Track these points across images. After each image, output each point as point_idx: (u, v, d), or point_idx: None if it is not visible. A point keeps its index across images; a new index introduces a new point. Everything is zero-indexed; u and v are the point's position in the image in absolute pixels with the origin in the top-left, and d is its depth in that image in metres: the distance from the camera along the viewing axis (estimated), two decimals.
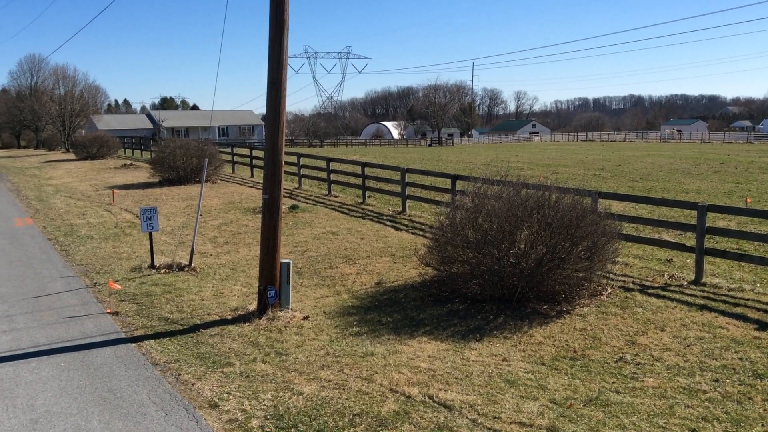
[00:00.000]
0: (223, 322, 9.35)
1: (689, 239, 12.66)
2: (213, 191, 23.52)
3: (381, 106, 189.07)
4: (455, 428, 6.08)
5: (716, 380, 7.09)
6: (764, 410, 6.41)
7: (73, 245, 14.95)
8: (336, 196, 21.58)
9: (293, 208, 18.68)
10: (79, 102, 66.56)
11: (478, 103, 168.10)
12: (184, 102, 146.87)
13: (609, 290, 10.19)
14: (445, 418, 6.29)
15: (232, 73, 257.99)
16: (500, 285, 9.58)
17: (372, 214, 18.12)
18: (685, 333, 8.48)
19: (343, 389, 6.97)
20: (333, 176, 22.69)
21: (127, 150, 47.68)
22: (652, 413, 6.36)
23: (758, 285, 10.50)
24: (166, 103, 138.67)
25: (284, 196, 10.91)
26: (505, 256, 9.50)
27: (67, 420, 6.40)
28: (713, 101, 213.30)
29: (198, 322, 9.39)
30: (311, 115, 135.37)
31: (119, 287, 10.91)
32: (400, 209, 18.38)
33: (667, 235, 13.90)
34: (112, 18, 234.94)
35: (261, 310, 9.45)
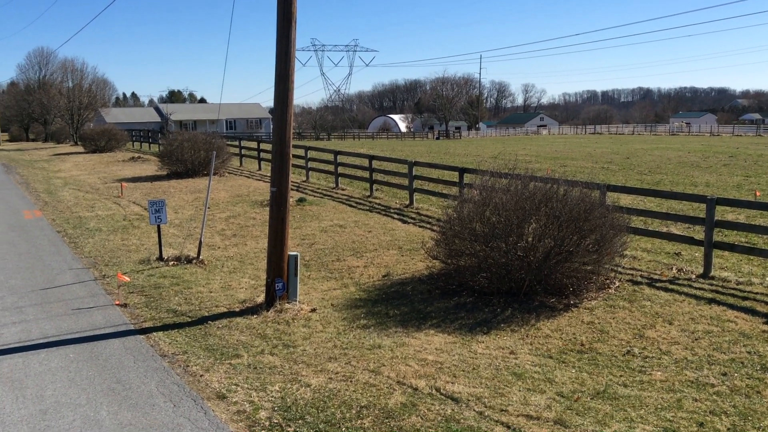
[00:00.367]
0: (231, 314, 9.38)
1: (698, 232, 12.61)
2: (221, 184, 23.56)
3: (388, 99, 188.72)
4: (462, 421, 6.09)
5: (724, 374, 7.08)
6: None
7: (82, 237, 15.02)
8: (343, 189, 21.59)
9: (301, 201, 18.69)
10: (88, 95, 66.71)
11: (485, 95, 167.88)
12: (191, 95, 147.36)
13: (617, 283, 10.17)
14: (452, 410, 6.29)
15: (239, 66, 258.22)
16: (508, 278, 9.57)
17: (379, 207, 18.12)
18: (693, 326, 8.45)
19: (351, 381, 6.99)
20: (340, 169, 22.69)
21: (135, 143, 47.85)
22: (659, 407, 6.35)
23: (767, 278, 10.45)
24: (174, 97, 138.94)
25: (292, 189, 10.92)
26: (513, 249, 9.48)
27: (76, 411, 6.44)
28: (722, 94, 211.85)
29: (206, 314, 9.42)
30: (318, 108, 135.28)
31: (128, 279, 10.96)
32: (407, 202, 18.37)
33: (676, 229, 13.85)
34: (120, 11, 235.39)
35: (269, 303, 9.48)
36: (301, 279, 10.64)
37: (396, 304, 9.69)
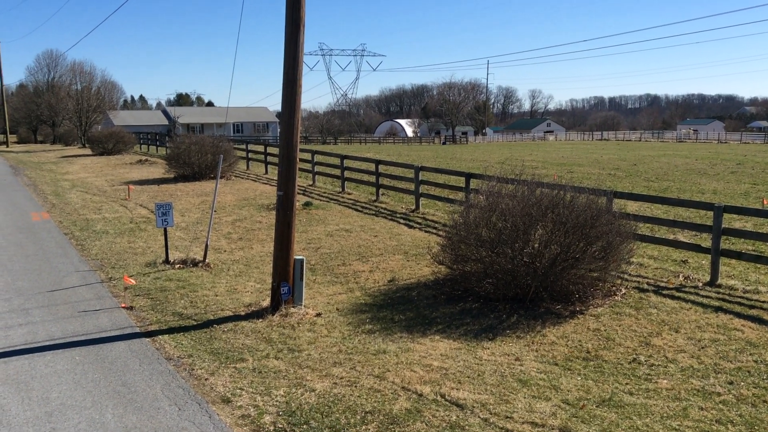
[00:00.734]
0: (236, 317, 9.39)
1: (705, 240, 12.56)
2: (227, 188, 23.62)
3: (395, 103, 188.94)
4: (467, 427, 6.07)
5: (731, 383, 7.04)
6: None
7: (89, 240, 15.07)
8: (350, 194, 21.60)
9: (307, 205, 18.72)
10: (96, 98, 67.08)
11: (492, 101, 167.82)
12: (199, 98, 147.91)
13: (623, 291, 10.14)
14: (457, 416, 6.28)
15: (247, 70, 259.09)
16: (514, 284, 9.55)
17: (385, 211, 18.12)
18: (699, 335, 8.42)
19: (356, 386, 6.98)
20: (347, 174, 22.72)
21: (142, 146, 48.00)
22: (665, 415, 6.32)
23: None
24: (182, 100, 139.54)
25: (298, 193, 10.94)
26: (519, 256, 9.47)
27: (81, 413, 6.45)
28: (730, 101, 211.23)
29: (211, 317, 9.44)
30: (325, 112, 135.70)
31: (134, 282, 10.99)
32: (413, 207, 18.37)
33: (683, 236, 13.80)
34: (129, 14, 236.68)
35: (274, 307, 9.49)
36: (307, 283, 10.65)
37: (401, 310, 9.68)
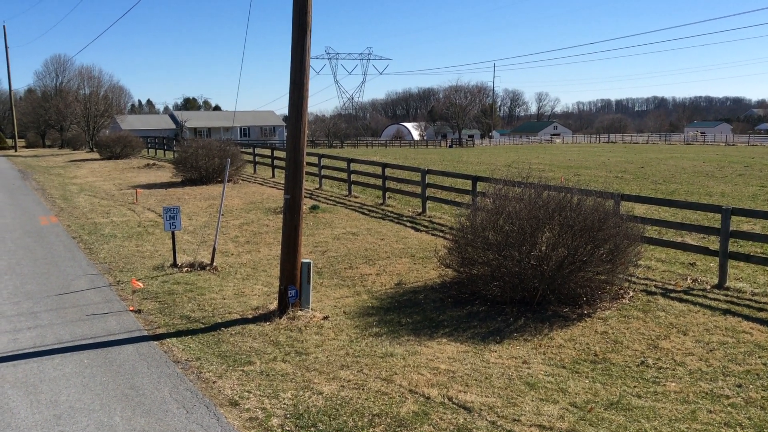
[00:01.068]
0: (244, 321, 9.41)
1: (713, 243, 12.52)
2: (235, 191, 23.68)
3: (401, 107, 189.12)
4: (474, 430, 6.07)
5: (739, 385, 7.01)
6: None
7: (97, 243, 15.14)
8: (356, 197, 21.62)
9: (314, 208, 18.75)
10: (104, 102, 67.29)
11: (499, 104, 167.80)
12: (206, 102, 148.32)
13: (631, 293, 10.11)
14: (465, 419, 6.28)
15: (254, 74, 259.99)
16: (521, 287, 9.54)
17: (392, 215, 18.13)
18: (708, 337, 8.39)
19: (363, 389, 6.99)
20: (353, 177, 22.74)
21: (150, 150, 48.16)
22: (673, 418, 6.30)
23: None
24: (189, 104, 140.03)
25: (305, 197, 10.97)
26: (526, 258, 9.46)
27: (90, 416, 6.48)
28: (738, 103, 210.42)
29: (219, 320, 9.46)
30: (332, 115, 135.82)
31: (142, 285, 11.03)
32: (420, 210, 18.37)
33: (690, 239, 13.76)
34: (136, 19, 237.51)
35: (281, 310, 9.51)
36: (314, 286, 10.67)
37: (408, 313, 9.68)
